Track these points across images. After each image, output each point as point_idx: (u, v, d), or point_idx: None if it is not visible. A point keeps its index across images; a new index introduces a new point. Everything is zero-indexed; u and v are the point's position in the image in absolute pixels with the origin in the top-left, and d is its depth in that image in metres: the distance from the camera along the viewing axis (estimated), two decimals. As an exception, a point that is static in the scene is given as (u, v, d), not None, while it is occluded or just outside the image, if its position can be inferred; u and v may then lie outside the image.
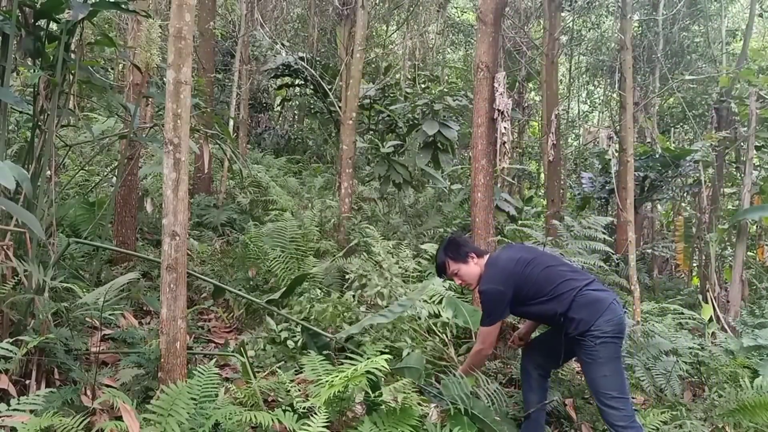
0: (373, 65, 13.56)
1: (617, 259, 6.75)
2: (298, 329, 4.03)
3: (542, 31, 9.29)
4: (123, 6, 3.48)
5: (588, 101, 16.70)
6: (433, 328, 4.15)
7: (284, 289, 3.58)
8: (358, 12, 6.49)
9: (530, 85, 13.39)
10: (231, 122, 8.83)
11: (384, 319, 3.28)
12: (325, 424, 2.44)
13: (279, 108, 15.04)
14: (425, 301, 4.42)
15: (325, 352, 3.29)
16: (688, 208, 9.16)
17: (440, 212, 7.59)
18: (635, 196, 6.90)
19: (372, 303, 4.28)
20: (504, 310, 3.04)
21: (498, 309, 3.02)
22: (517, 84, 11.11)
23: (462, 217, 6.58)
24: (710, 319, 5.10)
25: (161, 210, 2.88)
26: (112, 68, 9.69)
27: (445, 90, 7.54)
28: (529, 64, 11.44)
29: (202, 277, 3.84)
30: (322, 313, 3.99)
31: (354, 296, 4.33)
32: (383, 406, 2.73)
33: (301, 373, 3.39)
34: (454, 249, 3.13)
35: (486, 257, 3.16)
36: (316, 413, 2.52)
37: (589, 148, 12.58)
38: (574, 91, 15.52)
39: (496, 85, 4.28)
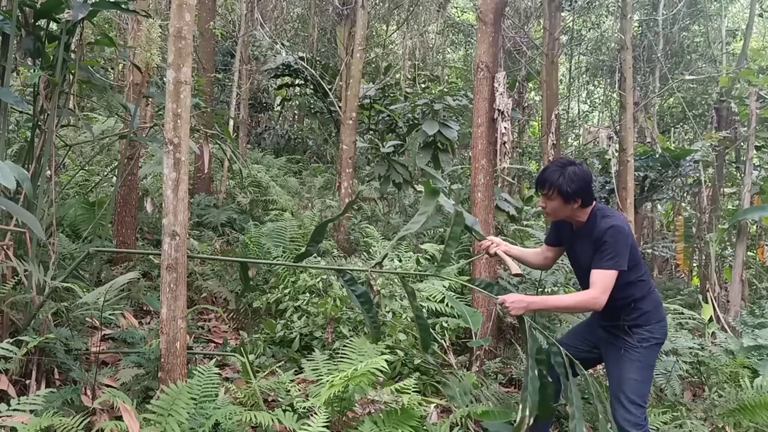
0: (373, 65, 13.57)
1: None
2: (296, 327, 4.03)
3: (542, 31, 9.29)
4: (123, 6, 3.48)
5: (588, 101, 16.71)
6: (432, 332, 4.14)
7: (308, 243, 3.07)
8: (358, 12, 6.49)
9: (530, 85, 13.38)
10: (231, 122, 8.83)
11: (416, 226, 3.02)
12: (325, 424, 2.44)
13: (279, 108, 15.04)
14: (427, 299, 4.43)
15: (362, 299, 2.98)
16: (688, 208, 9.17)
17: (440, 212, 7.59)
18: (635, 196, 6.89)
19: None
20: (627, 256, 2.71)
21: (625, 251, 2.68)
22: (517, 84, 11.11)
23: (462, 217, 6.58)
24: (710, 319, 5.10)
25: (161, 210, 2.88)
26: (112, 68, 9.68)
27: (445, 90, 7.55)
28: (529, 64, 11.44)
29: (228, 258, 3.80)
30: (322, 305, 3.98)
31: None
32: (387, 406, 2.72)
33: (302, 372, 3.39)
34: (569, 180, 2.70)
35: (592, 205, 2.81)
36: (316, 413, 2.52)
37: (589, 148, 12.57)
38: (574, 91, 15.53)
39: (496, 85, 4.28)
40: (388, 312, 4.09)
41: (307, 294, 4.26)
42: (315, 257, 4.93)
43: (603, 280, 2.64)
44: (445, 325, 4.22)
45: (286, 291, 4.38)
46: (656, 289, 2.94)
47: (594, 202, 2.81)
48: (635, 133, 9.22)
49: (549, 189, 2.75)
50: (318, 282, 4.31)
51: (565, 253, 3.13)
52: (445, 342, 4.07)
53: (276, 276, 4.78)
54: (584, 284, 2.86)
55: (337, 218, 3.01)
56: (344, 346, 3.34)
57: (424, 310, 4.14)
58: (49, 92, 3.16)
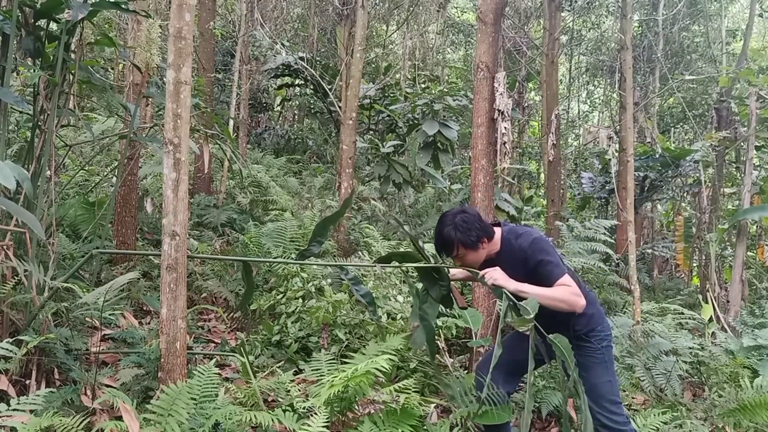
0: (373, 65, 13.57)
1: (617, 259, 6.76)
2: (292, 332, 4.03)
3: (542, 31, 9.30)
4: (123, 6, 3.47)
5: (588, 101, 16.71)
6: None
7: (310, 241, 3.04)
8: (358, 12, 6.49)
9: (530, 85, 13.39)
10: (231, 122, 8.83)
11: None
12: (325, 424, 2.44)
13: (279, 108, 15.05)
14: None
15: (368, 300, 2.98)
16: (688, 208, 9.17)
17: (440, 212, 7.59)
18: (635, 196, 6.90)
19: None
20: (558, 256, 2.69)
21: (555, 253, 2.68)
22: (517, 84, 11.12)
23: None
24: (710, 319, 5.10)
25: (161, 210, 2.88)
26: (112, 68, 9.68)
27: (445, 90, 7.54)
28: (529, 64, 11.44)
29: (230, 258, 3.81)
30: (314, 312, 3.97)
31: (349, 296, 4.32)
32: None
33: (301, 373, 3.39)
34: (466, 231, 2.67)
35: (498, 232, 2.79)
36: (316, 413, 2.52)
37: (589, 148, 12.58)
38: (574, 91, 15.52)
39: (496, 85, 4.28)
40: (382, 315, 4.08)
41: (300, 300, 4.24)
42: (313, 259, 4.92)
43: (568, 286, 2.59)
44: (440, 324, 4.20)
45: (279, 296, 4.37)
46: (588, 287, 2.92)
47: (496, 229, 2.78)
48: (635, 133, 9.22)
49: (455, 249, 2.71)
50: (310, 286, 4.30)
51: None
52: (440, 343, 4.06)
53: (276, 276, 4.79)
54: None
55: (340, 217, 2.98)
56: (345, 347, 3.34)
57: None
58: (49, 92, 3.16)
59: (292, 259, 5.04)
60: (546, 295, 2.56)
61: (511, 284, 2.58)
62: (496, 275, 2.61)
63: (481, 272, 2.66)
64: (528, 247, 2.66)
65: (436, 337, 4.08)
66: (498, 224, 2.85)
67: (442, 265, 2.90)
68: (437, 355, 4.00)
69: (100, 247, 3.45)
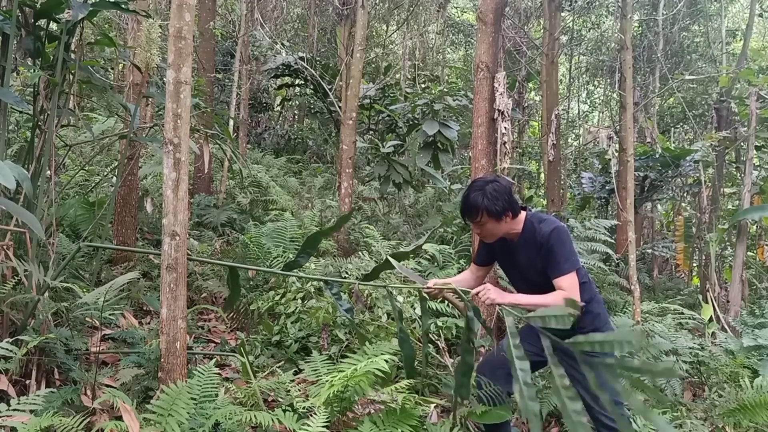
0: (373, 65, 13.57)
1: (617, 259, 6.76)
2: (292, 332, 4.03)
3: (542, 31, 9.29)
4: (123, 6, 3.47)
5: (588, 101, 16.70)
6: (428, 332, 4.14)
7: (299, 253, 3.11)
8: (358, 12, 6.49)
9: (530, 85, 13.38)
10: (231, 122, 8.83)
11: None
12: (325, 424, 2.44)
13: (279, 108, 15.05)
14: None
15: (350, 314, 3.06)
16: (688, 208, 9.17)
17: (440, 212, 7.60)
18: (635, 196, 6.90)
19: (369, 305, 4.28)
20: (575, 253, 2.69)
21: (572, 249, 2.67)
22: (517, 84, 11.11)
23: (462, 217, 6.58)
24: (710, 319, 5.10)
25: (161, 210, 2.88)
26: (112, 68, 9.68)
27: (445, 90, 7.54)
28: (529, 64, 11.44)
29: (216, 261, 3.83)
30: (314, 312, 3.97)
31: (349, 296, 4.32)
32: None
33: (301, 373, 3.39)
34: (494, 200, 2.65)
35: (523, 214, 2.79)
36: (316, 413, 2.52)
37: (589, 148, 12.58)
38: (574, 91, 15.51)
39: (496, 85, 4.28)
40: (382, 315, 4.08)
41: (299, 300, 4.24)
42: (313, 258, 4.92)
43: (569, 283, 2.62)
44: (440, 324, 4.20)
45: (279, 297, 4.37)
46: (596, 287, 2.93)
47: (523, 210, 2.79)
48: (635, 133, 9.22)
49: (478, 215, 2.69)
50: (309, 286, 4.30)
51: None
52: (440, 343, 4.06)
53: (276, 276, 4.78)
54: (527, 292, 2.81)
55: (330, 232, 3.01)
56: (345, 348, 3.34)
57: (418, 311, 4.13)
58: (49, 92, 3.16)
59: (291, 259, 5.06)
60: (540, 303, 2.59)
61: (507, 298, 2.62)
62: (490, 294, 2.61)
63: (474, 291, 2.68)
64: (548, 233, 2.67)
65: (436, 338, 4.09)
66: (525, 208, 2.85)
67: (425, 287, 2.89)
68: (437, 355, 4.00)
69: (90, 244, 3.45)
